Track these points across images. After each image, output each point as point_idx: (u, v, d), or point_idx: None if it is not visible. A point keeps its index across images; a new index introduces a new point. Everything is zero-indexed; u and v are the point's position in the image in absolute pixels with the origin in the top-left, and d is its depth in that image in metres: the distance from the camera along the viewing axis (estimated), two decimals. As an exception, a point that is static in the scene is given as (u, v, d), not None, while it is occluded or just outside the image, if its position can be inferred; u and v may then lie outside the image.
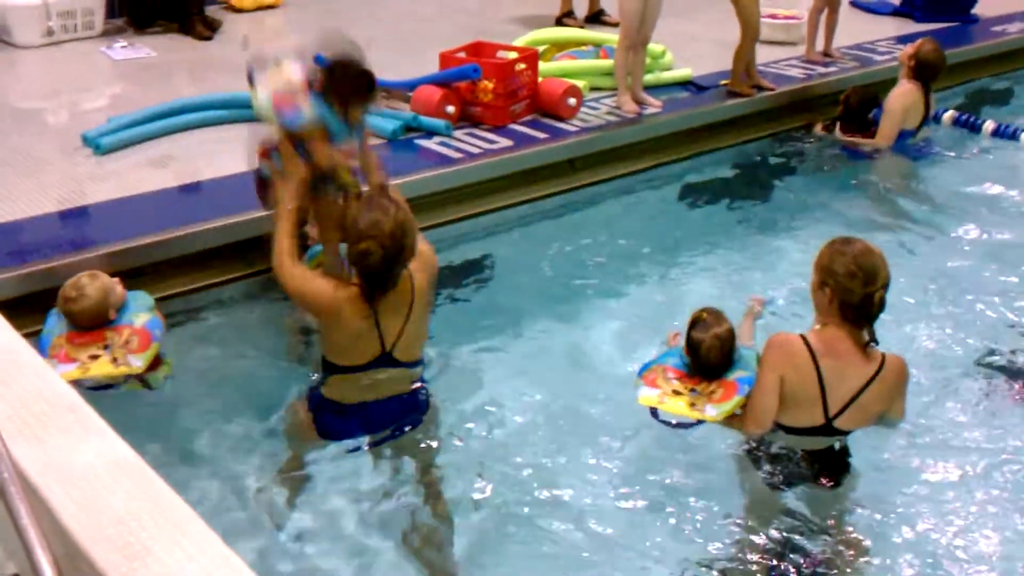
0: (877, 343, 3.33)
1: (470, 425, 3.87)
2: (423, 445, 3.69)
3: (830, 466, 3.48)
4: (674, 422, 3.57)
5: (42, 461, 2.71)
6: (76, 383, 3.89)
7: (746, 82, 6.87)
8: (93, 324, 3.92)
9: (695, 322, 3.55)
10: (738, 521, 3.48)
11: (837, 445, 3.52)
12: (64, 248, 4.40)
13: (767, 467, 3.48)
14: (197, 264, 4.71)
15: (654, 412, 3.57)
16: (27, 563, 2.23)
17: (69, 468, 2.67)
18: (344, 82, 3.87)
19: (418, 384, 3.69)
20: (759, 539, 3.38)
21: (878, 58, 7.64)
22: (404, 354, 3.53)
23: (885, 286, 3.27)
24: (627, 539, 3.44)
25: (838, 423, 3.35)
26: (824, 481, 3.47)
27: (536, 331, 4.64)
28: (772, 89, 6.94)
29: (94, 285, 3.91)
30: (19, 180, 5.16)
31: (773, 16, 8.05)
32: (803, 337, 3.34)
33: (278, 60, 3.94)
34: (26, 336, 3.57)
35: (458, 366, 4.24)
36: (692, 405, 3.46)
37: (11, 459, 2.38)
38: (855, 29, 8.18)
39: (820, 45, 7.62)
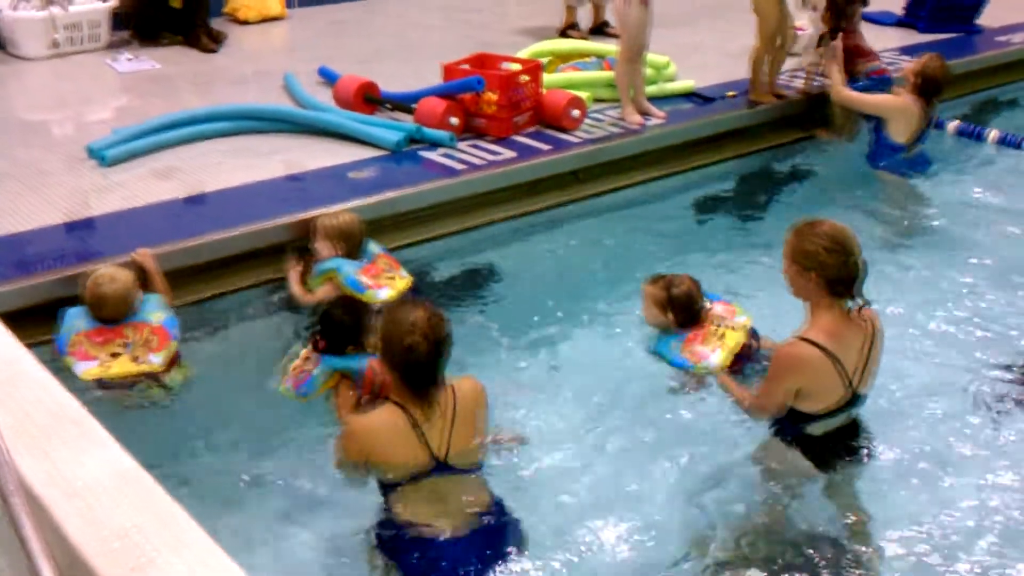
0: (869, 303, 3.48)
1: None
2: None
3: (849, 443, 3.64)
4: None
5: (46, 473, 2.71)
6: (96, 380, 3.95)
7: (767, 91, 6.88)
8: (117, 315, 4.04)
9: (668, 286, 4.14)
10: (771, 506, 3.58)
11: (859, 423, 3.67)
12: (69, 260, 4.41)
13: (811, 452, 3.59)
14: (206, 274, 4.72)
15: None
16: (30, 575, 2.23)
17: (73, 480, 2.68)
18: (336, 332, 3.94)
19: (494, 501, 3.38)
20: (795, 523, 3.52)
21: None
22: (459, 461, 3.27)
23: (862, 263, 3.42)
24: (664, 529, 3.53)
25: (859, 389, 3.54)
26: (855, 453, 3.63)
27: (539, 342, 4.64)
28: (795, 98, 6.93)
29: (123, 273, 4.13)
30: (24, 192, 5.18)
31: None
32: (807, 340, 3.44)
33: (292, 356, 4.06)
34: (30, 347, 3.59)
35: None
36: (733, 328, 4.11)
37: (15, 470, 2.38)
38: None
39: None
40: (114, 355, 3.99)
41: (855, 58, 6.97)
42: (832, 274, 3.38)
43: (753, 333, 4.22)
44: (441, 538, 3.19)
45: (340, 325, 3.94)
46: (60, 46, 7.72)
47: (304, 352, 4.01)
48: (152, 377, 4.07)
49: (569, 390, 4.28)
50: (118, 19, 8.18)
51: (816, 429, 3.57)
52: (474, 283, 5.21)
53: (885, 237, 5.78)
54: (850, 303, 3.45)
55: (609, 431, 4.01)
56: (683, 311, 4.16)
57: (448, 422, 3.23)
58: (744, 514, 3.59)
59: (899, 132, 6.43)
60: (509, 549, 3.28)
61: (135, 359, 4.01)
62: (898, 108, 6.43)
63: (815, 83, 7.09)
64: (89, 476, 2.70)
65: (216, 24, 8.44)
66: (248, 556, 3.24)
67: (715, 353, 4.05)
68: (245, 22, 8.89)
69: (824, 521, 3.54)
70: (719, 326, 4.15)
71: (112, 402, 3.99)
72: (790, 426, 3.60)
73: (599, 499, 3.67)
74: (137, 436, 3.29)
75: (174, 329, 4.15)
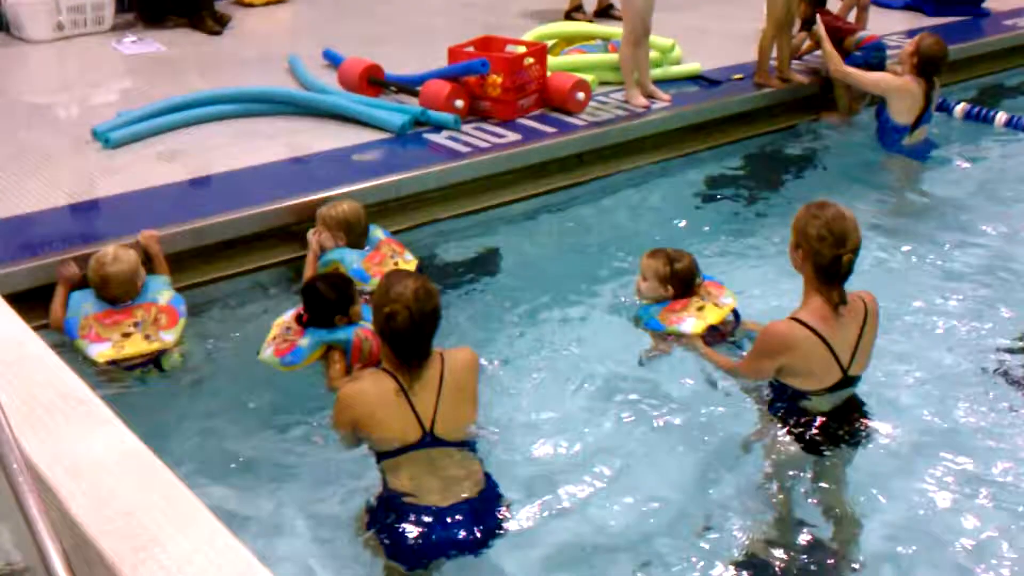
0: (845, 303, 3.49)
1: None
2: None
3: (848, 424, 3.66)
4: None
5: (51, 452, 2.72)
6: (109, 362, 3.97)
7: (775, 75, 6.86)
8: (122, 295, 4.08)
9: (670, 260, 4.32)
10: (765, 486, 3.61)
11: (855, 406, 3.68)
12: (74, 241, 4.41)
13: (796, 430, 3.63)
14: (210, 256, 4.72)
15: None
16: (36, 553, 2.24)
17: (78, 459, 2.69)
18: (321, 307, 3.98)
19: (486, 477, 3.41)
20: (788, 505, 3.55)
21: (888, 52, 7.60)
22: (447, 434, 3.32)
23: (854, 250, 3.43)
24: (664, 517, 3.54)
25: (852, 371, 3.56)
26: (850, 438, 3.64)
27: (544, 324, 4.64)
28: (802, 83, 6.91)
29: (128, 253, 4.16)
30: (29, 174, 5.18)
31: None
32: (796, 319, 3.49)
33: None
34: (36, 328, 3.60)
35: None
36: (716, 305, 4.29)
37: (20, 450, 2.39)
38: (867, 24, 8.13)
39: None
40: (126, 335, 4.04)
41: (840, 34, 6.98)
42: (816, 260, 3.42)
43: (735, 315, 4.34)
44: (429, 510, 3.24)
45: (324, 300, 3.98)
46: (64, 28, 7.71)
47: (284, 322, 4.07)
48: (155, 359, 4.10)
49: (572, 370, 4.28)
50: (122, 1, 8.18)
51: (811, 406, 3.59)
52: (479, 265, 5.21)
53: (888, 218, 5.77)
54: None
55: (610, 410, 4.02)
56: (684, 285, 4.34)
57: (435, 391, 3.29)
58: (738, 491, 3.61)
59: (900, 112, 6.42)
60: (498, 524, 3.32)
61: (147, 337, 4.05)
62: (898, 87, 6.42)
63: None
64: (94, 455, 2.71)
65: (221, 7, 8.42)
66: (243, 530, 3.27)
67: (689, 320, 4.24)
68: (250, 4, 8.86)
69: (818, 501, 3.56)
70: (704, 299, 4.34)
71: (115, 383, 4.01)
72: (784, 401, 3.63)
73: (595, 476, 3.68)
74: (140, 415, 3.30)
75: (181, 307, 4.21)
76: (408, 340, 3.23)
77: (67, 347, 3.98)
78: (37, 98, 6.63)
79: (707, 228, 5.64)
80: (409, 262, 4.67)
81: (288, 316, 4.11)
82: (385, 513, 3.28)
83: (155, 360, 4.09)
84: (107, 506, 2.48)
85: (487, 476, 3.39)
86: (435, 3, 9.21)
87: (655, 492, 3.63)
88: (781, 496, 3.59)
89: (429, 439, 3.28)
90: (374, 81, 6.37)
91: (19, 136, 5.73)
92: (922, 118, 6.45)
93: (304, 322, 3.99)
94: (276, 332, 4.07)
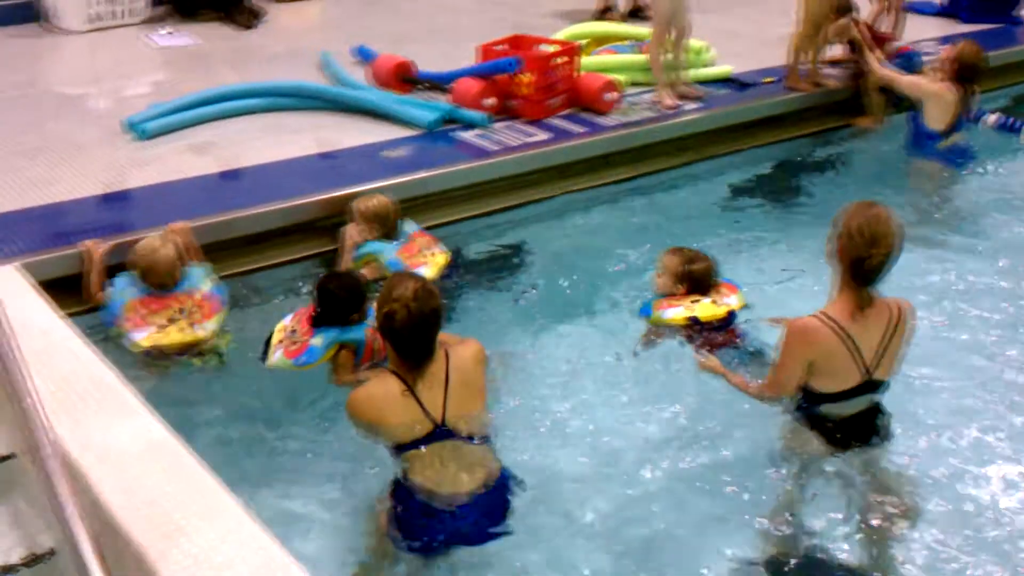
0: (871, 304, 3.46)
1: (503, 414, 3.88)
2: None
3: (869, 427, 3.64)
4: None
5: (81, 440, 2.76)
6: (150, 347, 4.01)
7: (807, 79, 6.84)
8: (168, 280, 4.13)
9: (688, 260, 4.37)
10: (787, 487, 3.62)
11: (879, 411, 3.65)
12: (106, 231, 4.45)
13: (825, 434, 3.60)
14: (239, 248, 4.76)
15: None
16: (64, 538, 2.27)
17: (108, 447, 2.72)
18: (336, 306, 4.00)
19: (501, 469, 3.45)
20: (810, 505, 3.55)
21: (923, 58, 7.56)
22: (459, 427, 3.35)
23: (886, 255, 3.40)
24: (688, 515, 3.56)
25: (876, 375, 3.53)
26: (872, 440, 3.63)
27: (567, 322, 4.66)
28: (834, 87, 6.90)
29: (170, 241, 4.23)
30: (63, 164, 5.23)
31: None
32: (822, 316, 3.48)
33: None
34: (67, 316, 3.65)
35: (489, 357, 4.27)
36: (715, 302, 4.31)
37: (52, 437, 2.42)
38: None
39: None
40: (170, 322, 4.09)
41: (876, 43, 6.94)
42: (851, 257, 3.41)
43: (731, 317, 4.34)
44: (443, 502, 3.29)
45: (338, 299, 4.00)
46: (99, 19, 7.78)
47: (286, 326, 4.09)
48: (196, 347, 4.14)
49: (594, 369, 4.30)
50: (157, -6, 8.25)
51: (832, 410, 3.57)
52: (505, 263, 5.22)
53: (919, 225, 5.72)
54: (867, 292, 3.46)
55: (630, 407, 4.04)
56: (696, 286, 4.37)
57: (442, 385, 3.33)
58: (757, 493, 3.61)
59: (935, 118, 6.38)
60: (509, 518, 3.36)
61: (189, 326, 4.10)
62: (934, 92, 6.39)
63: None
64: (123, 444, 2.74)
65: (254, 2, 8.46)
66: (279, 523, 3.29)
67: (673, 310, 4.32)
68: (282, 0, 8.91)
69: (838, 505, 3.55)
70: (702, 299, 4.34)
71: (155, 369, 4.05)
72: (805, 406, 3.61)
73: (614, 473, 3.72)
74: (171, 404, 3.35)
75: (223, 296, 4.26)
76: (408, 339, 3.28)
77: (98, 334, 4.02)
78: (70, 88, 6.70)
79: (732, 231, 5.62)
80: (443, 253, 4.72)
81: (288, 320, 4.14)
82: (401, 503, 3.33)
83: (193, 349, 4.13)
84: (136, 494, 2.51)
85: (504, 473, 3.42)
86: (465, 3, 9.23)
87: (672, 494, 3.64)
88: (796, 499, 3.60)
89: (441, 432, 3.32)
90: (405, 78, 6.39)
91: (52, 126, 5.79)
92: (957, 125, 6.41)
93: (317, 321, 4.01)
94: (281, 336, 4.08)
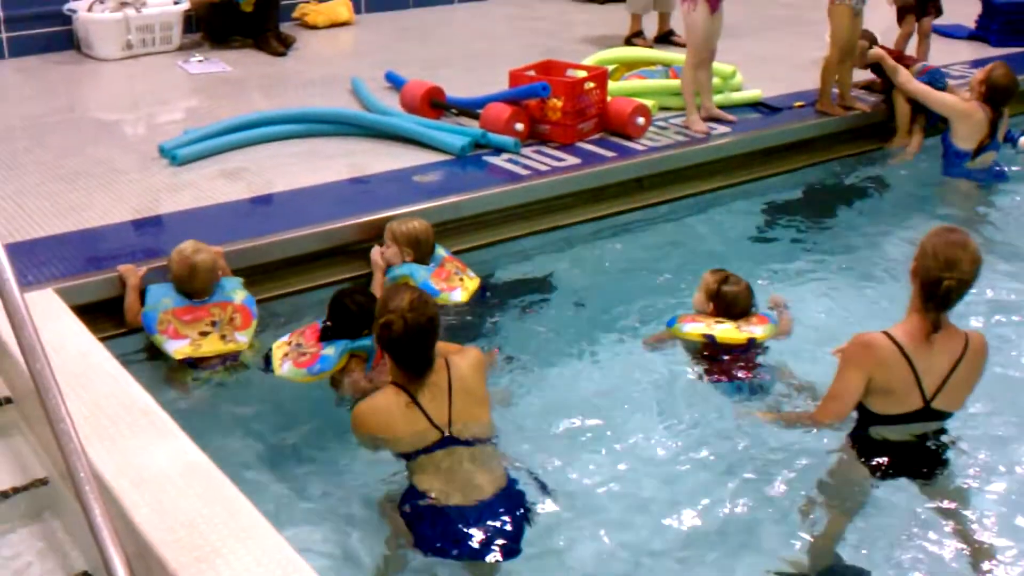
0: (936, 330, 3.43)
1: (527, 446, 3.86)
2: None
3: (926, 459, 3.59)
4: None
5: (116, 462, 2.78)
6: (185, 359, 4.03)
7: (838, 103, 6.82)
8: (205, 286, 4.20)
9: (722, 281, 4.39)
10: (832, 510, 3.59)
11: (933, 445, 3.59)
12: (139, 256, 4.49)
13: (870, 458, 3.58)
14: (271, 273, 4.78)
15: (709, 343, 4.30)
16: (99, 561, 2.27)
17: (142, 470, 2.74)
18: (350, 319, 4.09)
19: (508, 478, 3.47)
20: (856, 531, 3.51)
21: (952, 82, 7.53)
22: (466, 434, 3.43)
23: (961, 281, 3.37)
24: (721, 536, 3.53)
25: (936, 404, 3.49)
26: (921, 473, 3.58)
27: (598, 346, 4.63)
28: (865, 111, 6.86)
29: (207, 247, 4.29)
30: (98, 189, 5.28)
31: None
32: (887, 334, 3.47)
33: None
34: (102, 340, 3.68)
35: (520, 382, 4.27)
36: (738, 328, 4.31)
37: (87, 460, 2.43)
38: (930, 52, 8.06)
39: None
40: (203, 334, 4.13)
41: (901, 63, 6.92)
42: (924, 280, 3.40)
43: (750, 344, 4.31)
44: (452, 507, 3.31)
45: (352, 313, 4.08)
46: (133, 47, 7.88)
47: (288, 340, 4.16)
48: (233, 356, 4.19)
49: (623, 394, 4.27)
50: (189, 22, 8.33)
51: (884, 433, 3.54)
52: (536, 288, 5.21)
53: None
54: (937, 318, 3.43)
55: (659, 429, 4.03)
56: (724, 308, 4.38)
57: (445, 395, 3.40)
58: (786, 509, 3.58)
59: (964, 137, 6.38)
60: (518, 522, 3.36)
61: (223, 337, 4.15)
62: (963, 111, 6.39)
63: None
64: (157, 466, 2.75)
65: (285, 28, 8.55)
66: (314, 549, 3.29)
67: (694, 325, 4.37)
68: (314, 27, 8.99)
69: (880, 535, 3.49)
70: (727, 323, 4.35)
71: (177, 384, 4.09)
72: (857, 427, 3.59)
73: (645, 498, 3.69)
74: (200, 424, 3.35)
75: (254, 307, 4.31)
76: (406, 349, 3.35)
77: (133, 358, 4.05)
78: (105, 114, 6.78)
79: (765, 255, 5.59)
80: (473, 279, 4.73)
81: (287, 338, 4.20)
82: (412, 508, 3.36)
83: (227, 361, 4.16)
84: (170, 516, 2.52)
85: (511, 479, 3.45)
86: (495, 27, 9.28)
87: (700, 512, 3.61)
88: (838, 529, 3.55)
89: (447, 440, 3.38)
90: (436, 103, 6.42)
91: (88, 151, 5.85)
92: (987, 145, 6.40)
93: (328, 335, 4.09)
94: (285, 350, 4.13)
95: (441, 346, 3.47)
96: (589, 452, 3.90)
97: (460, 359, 3.52)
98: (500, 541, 3.28)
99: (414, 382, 3.39)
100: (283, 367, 4.07)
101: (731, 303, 4.37)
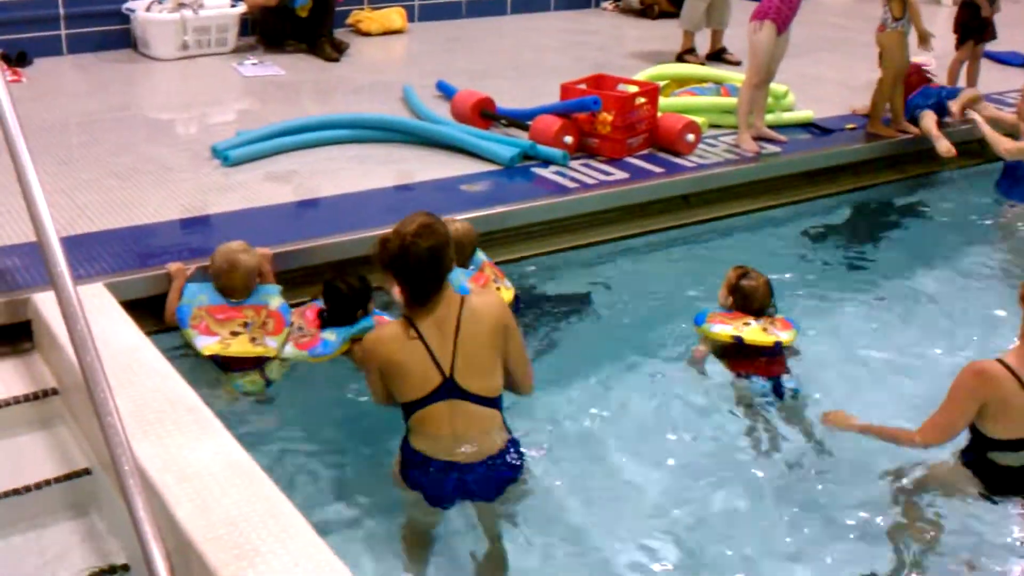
0: None
1: (562, 464, 3.86)
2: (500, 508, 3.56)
3: None
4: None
5: (160, 458, 2.80)
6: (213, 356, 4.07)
7: (893, 126, 6.76)
8: (244, 287, 4.23)
9: (742, 275, 4.50)
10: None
11: None
12: (187, 255, 4.53)
13: (988, 480, 3.59)
14: (317, 276, 4.79)
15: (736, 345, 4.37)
16: (139, 554, 2.29)
17: (186, 466, 2.76)
18: (343, 303, 4.22)
19: (507, 440, 3.51)
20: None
21: (1008, 109, 7.44)
22: (469, 382, 3.37)
23: None
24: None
25: None
26: None
27: (639, 363, 4.61)
28: (917, 134, 6.79)
29: (254, 251, 4.33)
30: (151, 186, 5.35)
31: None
32: (1000, 361, 3.48)
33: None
34: (150, 335, 3.72)
35: (557, 398, 4.26)
36: (764, 330, 4.38)
37: (131, 454, 2.46)
38: (985, 79, 7.97)
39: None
40: (234, 334, 4.15)
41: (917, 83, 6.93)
42: None
43: (777, 347, 4.35)
44: (445, 463, 3.37)
45: (346, 298, 4.20)
46: (189, 48, 7.97)
47: (295, 319, 4.27)
48: (259, 364, 4.19)
49: (663, 412, 4.27)
50: (245, 25, 8.42)
51: (1003, 459, 3.53)
52: (579, 300, 5.20)
53: (1008, 273, 5.60)
54: None
55: (697, 458, 4.01)
56: (743, 301, 4.47)
57: (451, 336, 3.34)
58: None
59: None
60: (510, 488, 3.43)
61: (253, 340, 4.16)
62: None
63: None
64: (201, 464, 2.78)
65: (339, 34, 8.62)
66: (352, 550, 3.30)
67: (723, 327, 4.41)
68: (367, 34, 9.06)
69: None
70: (761, 323, 4.42)
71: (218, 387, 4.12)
72: (972, 451, 3.59)
73: (693, 510, 3.72)
74: (245, 426, 3.38)
75: (288, 315, 4.31)
76: (401, 272, 3.34)
77: (179, 354, 4.08)
78: (160, 114, 6.87)
79: (809, 277, 5.54)
80: (508, 289, 4.72)
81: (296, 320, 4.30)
82: (405, 459, 3.47)
83: (257, 365, 4.18)
84: (212, 514, 2.53)
85: (512, 443, 3.48)
86: (547, 40, 9.30)
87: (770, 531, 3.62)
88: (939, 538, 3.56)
89: (450, 385, 3.34)
90: (485, 114, 6.44)
91: (141, 149, 5.93)
92: None
93: (325, 320, 4.21)
94: (288, 331, 4.25)
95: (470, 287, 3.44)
96: (621, 469, 3.91)
97: (476, 300, 3.46)
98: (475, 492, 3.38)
99: (419, 314, 3.36)
100: (285, 348, 4.20)
101: (749, 296, 4.45)
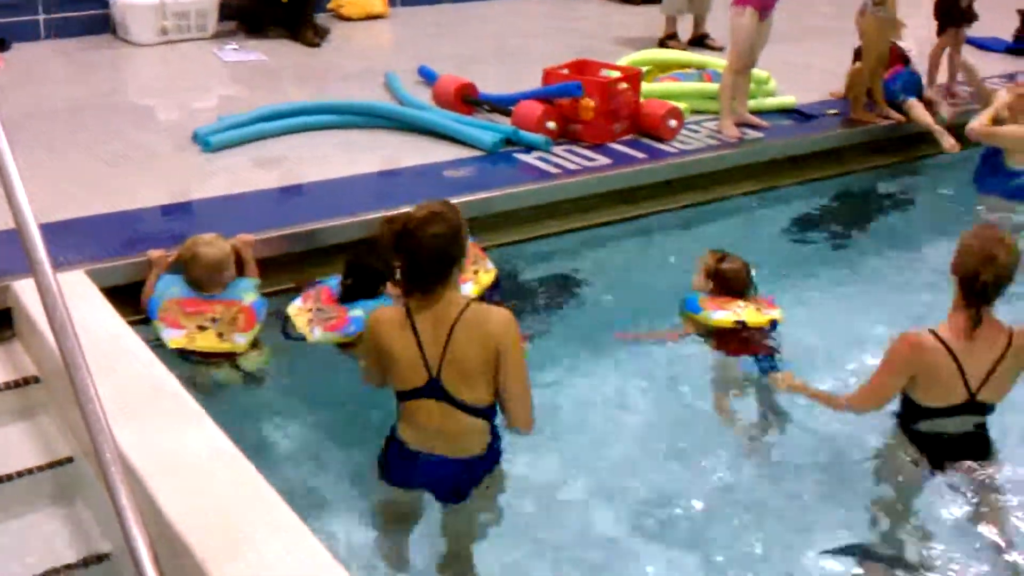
0: (978, 325, 3.48)
1: (542, 448, 3.85)
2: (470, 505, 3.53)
3: (972, 448, 3.67)
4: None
5: (143, 445, 2.79)
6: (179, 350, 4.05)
7: (876, 111, 6.77)
8: (206, 280, 4.16)
9: (720, 260, 4.56)
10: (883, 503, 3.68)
11: (981, 432, 3.67)
12: (169, 241, 4.50)
13: (915, 450, 3.68)
14: (298, 263, 4.79)
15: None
16: (123, 542, 2.28)
17: (169, 454, 2.75)
18: (370, 278, 4.22)
19: (487, 446, 3.46)
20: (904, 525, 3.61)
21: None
22: (455, 388, 3.30)
23: (998, 276, 3.44)
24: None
25: (981, 396, 3.56)
26: (969, 464, 3.65)
27: (622, 347, 4.62)
28: (901, 121, 6.81)
29: (222, 242, 4.27)
30: (131, 173, 5.31)
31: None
32: (932, 331, 3.55)
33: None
34: (132, 323, 3.70)
35: (539, 382, 4.22)
36: (759, 310, 4.46)
37: (113, 441, 2.44)
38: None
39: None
40: (201, 328, 4.10)
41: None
42: (962, 274, 3.48)
43: (773, 326, 4.44)
44: (418, 451, 3.39)
45: (374, 272, 4.19)
46: (168, 33, 7.91)
47: (306, 306, 4.23)
48: (229, 357, 4.16)
49: (645, 396, 4.30)
50: (225, 10, 8.36)
51: (932, 427, 3.61)
52: (561, 286, 5.21)
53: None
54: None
55: (679, 439, 4.03)
56: (724, 285, 4.53)
57: (444, 335, 3.28)
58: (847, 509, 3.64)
59: (1020, 159, 6.33)
60: (487, 479, 3.45)
61: (220, 335, 4.12)
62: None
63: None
64: (185, 451, 2.77)
65: (320, 20, 8.57)
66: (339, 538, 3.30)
67: (723, 313, 4.43)
68: (349, 19, 9.01)
69: (931, 526, 3.57)
70: (748, 306, 4.47)
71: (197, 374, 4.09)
72: (904, 419, 3.68)
73: (681, 489, 3.75)
74: (229, 413, 3.36)
75: (262, 311, 4.26)
76: (403, 250, 3.31)
77: (160, 342, 4.06)
78: (140, 99, 6.82)
79: (792, 262, 5.59)
80: (488, 272, 4.71)
81: (300, 301, 4.28)
82: (386, 447, 3.49)
83: (227, 358, 4.15)
84: (196, 502, 2.53)
85: (494, 449, 3.46)
86: (531, 25, 9.27)
87: (753, 509, 3.66)
88: (891, 518, 3.65)
89: (436, 386, 3.31)
90: (468, 99, 6.42)
91: (123, 135, 5.88)
92: None
93: (348, 296, 4.19)
94: (308, 316, 4.19)
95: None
96: (605, 459, 3.92)
97: (480, 312, 3.31)
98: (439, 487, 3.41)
99: (418, 306, 3.32)
100: (314, 332, 4.12)
101: (731, 279, 4.52)
